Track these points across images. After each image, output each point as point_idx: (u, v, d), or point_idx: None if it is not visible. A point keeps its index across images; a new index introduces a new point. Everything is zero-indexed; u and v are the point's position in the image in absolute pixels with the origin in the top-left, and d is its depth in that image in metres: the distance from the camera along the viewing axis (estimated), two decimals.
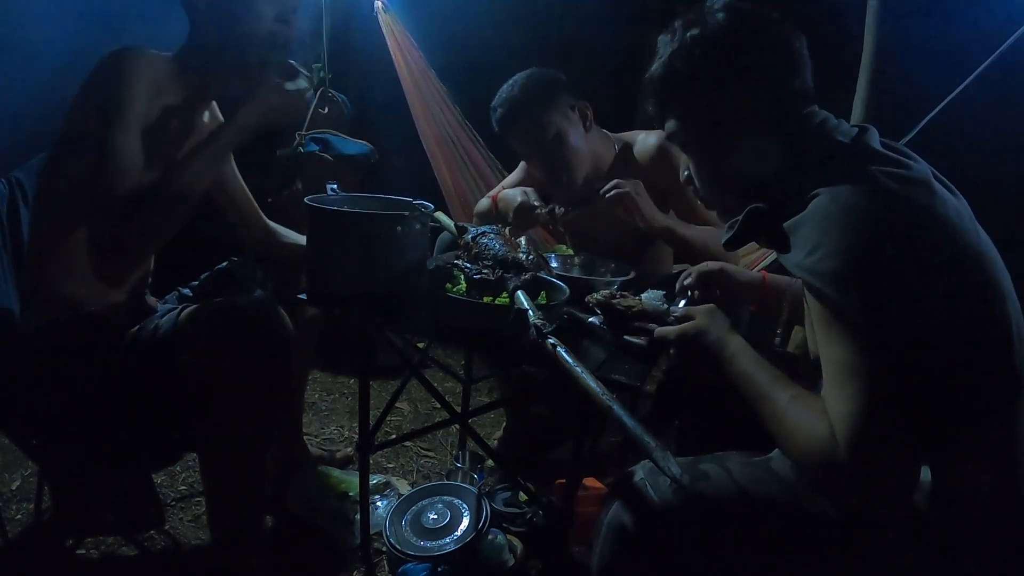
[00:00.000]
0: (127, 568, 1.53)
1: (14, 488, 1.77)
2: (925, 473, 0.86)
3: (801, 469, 0.87)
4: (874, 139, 0.91)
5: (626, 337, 1.19)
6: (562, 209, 1.71)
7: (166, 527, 1.63)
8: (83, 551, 1.53)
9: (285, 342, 1.25)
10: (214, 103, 1.49)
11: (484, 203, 2.00)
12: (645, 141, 1.85)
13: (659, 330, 1.06)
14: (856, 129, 0.93)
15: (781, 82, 0.92)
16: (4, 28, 2.35)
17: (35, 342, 1.25)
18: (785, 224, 0.87)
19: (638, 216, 1.64)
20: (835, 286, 0.79)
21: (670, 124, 1.01)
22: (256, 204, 1.67)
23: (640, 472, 0.96)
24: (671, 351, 1.03)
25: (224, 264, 1.65)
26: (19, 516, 1.66)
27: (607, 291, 1.29)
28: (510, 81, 1.78)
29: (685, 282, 1.28)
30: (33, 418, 1.28)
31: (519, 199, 1.78)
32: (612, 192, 1.62)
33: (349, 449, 2.07)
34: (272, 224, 1.70)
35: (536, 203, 1.75)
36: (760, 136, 0.94)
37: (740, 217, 0.93)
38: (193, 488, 1.83)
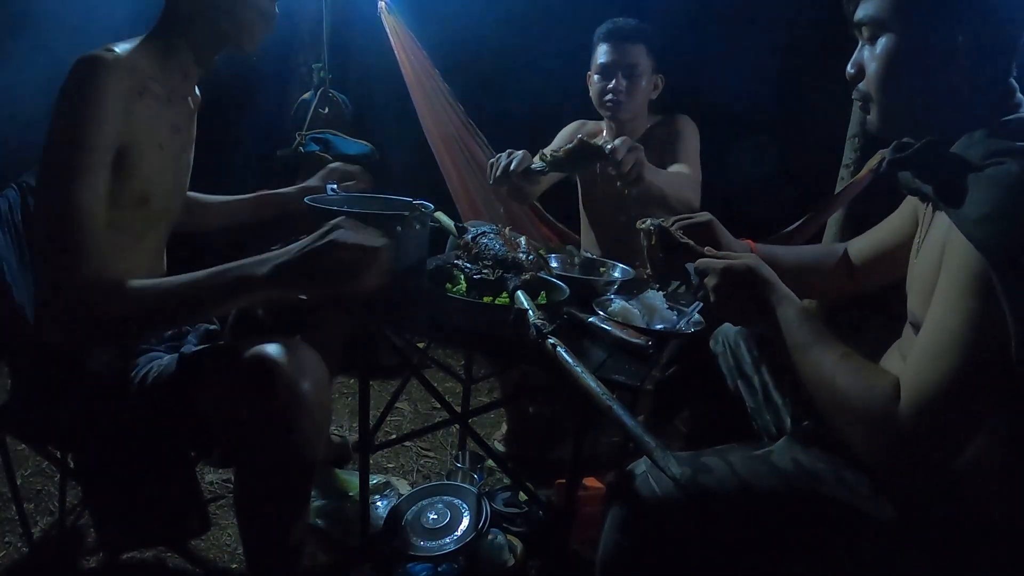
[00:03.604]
0: (130, 569, 1.53)
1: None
2: None
3: (846, 429, 0.85)
4: None
5: (625, 337, 1.18)
6: (541, 165, 1.58)
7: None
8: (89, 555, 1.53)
9: (323, 385, 1.13)
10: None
11: None
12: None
13: (702, 260, 1.03)
14: None
15: (1015, 33, 0.87)
16: (9, 30, 2.34)
17: (61, 355, 1.19)
18: (966, 176, 0.82)
19: (637, 174, 1.49)
20: (1000, 255, 0.75)
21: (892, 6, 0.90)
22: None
23: (642, 465, 0.96)
24: (709, 285, 1.00)
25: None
26: (18, 517, 1.66)
27: (665, 220, 1.19)
28: None
29: (672, 227, 1.20)
30: (61, 431, 1.23)
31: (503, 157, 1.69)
32: (628, 150, 1.47)
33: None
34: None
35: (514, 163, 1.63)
36: (978, 67, 0.87)
37: (918, 143, 0.90)
38: (213, 491, 1.83)
